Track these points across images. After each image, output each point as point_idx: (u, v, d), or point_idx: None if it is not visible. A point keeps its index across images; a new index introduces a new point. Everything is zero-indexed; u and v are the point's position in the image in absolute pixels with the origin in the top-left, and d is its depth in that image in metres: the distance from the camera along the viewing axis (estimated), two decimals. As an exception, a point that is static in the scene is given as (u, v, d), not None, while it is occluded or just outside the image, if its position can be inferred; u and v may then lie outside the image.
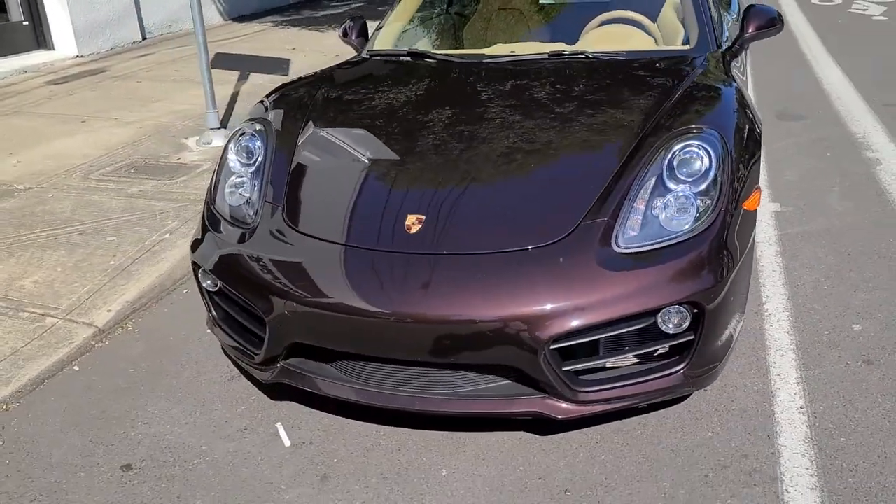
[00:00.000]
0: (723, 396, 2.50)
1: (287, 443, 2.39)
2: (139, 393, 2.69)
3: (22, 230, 3.87)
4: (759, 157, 2.53)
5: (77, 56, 8.32)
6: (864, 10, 9.63)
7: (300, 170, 2.59)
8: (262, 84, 6.68)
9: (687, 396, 2.47)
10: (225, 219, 2.55)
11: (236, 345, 2.48)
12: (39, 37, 8.34)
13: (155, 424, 2.51)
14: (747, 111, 2.67)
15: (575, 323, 2.04)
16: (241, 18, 10.86)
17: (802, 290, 3.14)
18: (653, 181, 2.27)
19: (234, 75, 7.19)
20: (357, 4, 11.96)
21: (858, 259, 3.38)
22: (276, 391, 2.59)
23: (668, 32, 3.42)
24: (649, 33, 3.45)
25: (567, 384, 2.12)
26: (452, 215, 2.28)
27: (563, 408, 2.14)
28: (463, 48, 3.55)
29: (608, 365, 2.18)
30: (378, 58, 3.48)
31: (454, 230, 2.23)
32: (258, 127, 2.79)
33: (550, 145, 2.52)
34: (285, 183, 2.53)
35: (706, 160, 2.29)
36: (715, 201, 2.23)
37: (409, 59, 3.38)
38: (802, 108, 5.79)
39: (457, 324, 2.05)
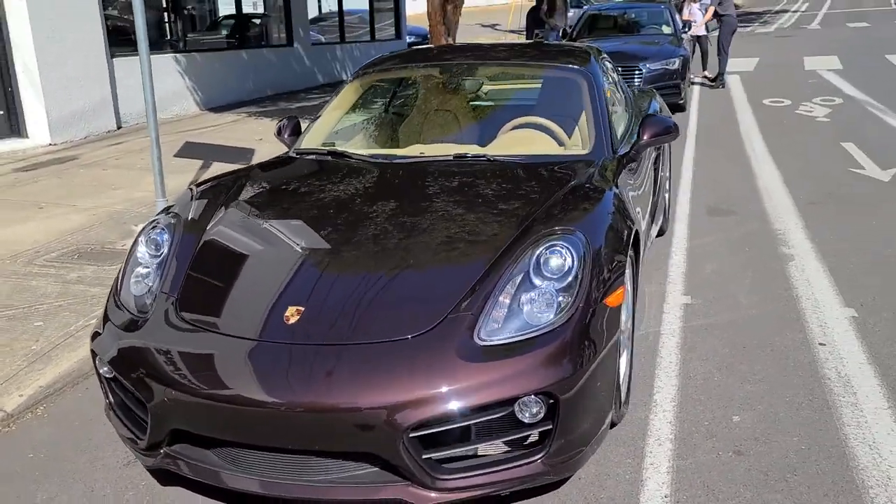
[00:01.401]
0: (594, 485, 2.59)
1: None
2: (32, 479, 2.75)
3: (-38, 313, 3.98)
4: (626, 257, 2.70)
5: (50, 144, 8.60)
6: (810, 111, 10.10)
7: (200, 261, 2.75)
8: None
9: (561, 483, 2.57)
10: (126, 308, 2.68)
11: (126, 431, 2.57)
12: (13, 125, 8.64)
13: (51, 510, 2.58)
14: (622, 215, 2.86)
15: (432, 412, 2.16)
16: (217, 109, 11.26)
17: (693, 382, 3.26)
18: (520, 277, 2.44)
19: (198, 163, 7.45)
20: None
21: (752, 352, 3.52)
22: (165, 478, 2.66)
23: (575, 138, 3.66)
24: (557, 138, 3.68)
25: (427, 472, 2.22)
26: (328, 307, 2.43)
27: (424, 495, 2.23)
28: (383, 147, 3.77)
29: (469, 453, 2.29)
30: (301, 156, 3.70)
31: (327, 322, 2.37)
32: (169, 220, 2.97)
33: (430, 242, 2.69)
34: (184, 274, 2.69)
35: (568, 259, 2.47)
36: (573, 297, 2.39)
37: (327, 157, 3.59)
38: (734, 204, 6.06)
39: (319, 412, 2.17)
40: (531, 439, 2.32)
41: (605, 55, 4.64)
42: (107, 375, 2.62)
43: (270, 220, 2.97)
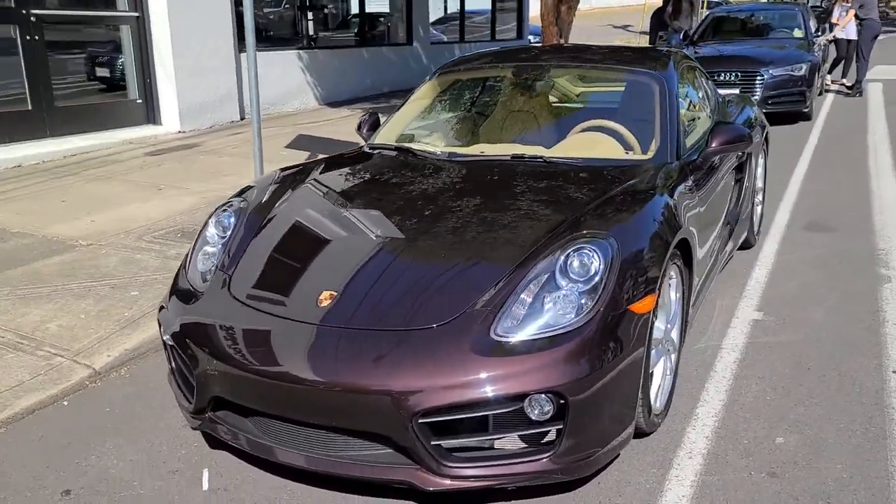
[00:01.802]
0: (613, 490, 2.59)
1: (205, 486, 2.67)
2: (106, 430, 3.06)
3: (67, 280, 4.44)
4: (663, 266, 2.66)
5: (179, 132, 9.28)
6: (951, 124, 9.35)
7: (256, 242, 2.96)
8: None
9: (578, 484, 2.59)
10: (191, 284, 2.93)
11: (180, 395, 2.82)
12: (150, 113, 9.38)
13: (105, 458, 2.86)
14: (668, 222, 2.83)
15: (441, 400, 2.25)
16: (334, 104, 11.75)
17: (743, 399, 3.17)
18: (545, 277, 2.48)
19: (305, 155, 7.84)
20: (446, 95, 12.66)
21: (816, 373, 3.37)
22: (213, 442, 2.89)
23: (643, 143, 3.63)
24: (625, 142, 3.66)
25: (435, 458, 2.31)
26: (359, 294, 2.56)
27: (431, 480, 2.33)
28: (448, 145, 3.86)
29: (479, 445, 2.36)
30: (372, 150, 3.86)
31: (355, 307, 2.51)
32: (239, 204, 3.20)
33: (466, 239, 2.78)
34: (241, 253, 2.91)
35: (595, 263, 2.49)
36: (595, 301, 2.41)
37: (393, 152, 3.74)
38: (838, 220, 5.74)
39: (339, 391, 2.31)
40: (542, 437, 2.37)
41: (692, 61, 4.54)
42: (168, 343, 2.87)
43: (323, 208, 3.15)
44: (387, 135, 4.01)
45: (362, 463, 2.39)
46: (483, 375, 2.27)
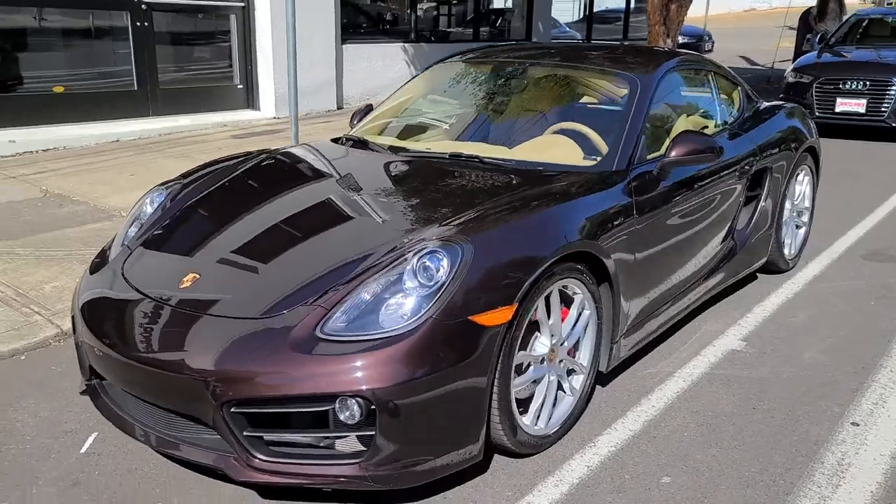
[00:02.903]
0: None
1: (83, 449, 2.81)
2: (38, 386, 3.28)
3: (85, 246, 4.79)
4: (536, 280, 2.49)
5: (273, 117, 9.73)
6: None
7: (165, 223, 3.06)
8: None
9: (424, 494, 2.49)
10: (108, 257, 3.06)
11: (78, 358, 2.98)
12: (250, 98, 9.91)
13: (20, 412, 3.08)
14: (554, 235, 2.63)
15: (250, 391, 2.25)
16: (436, 97, 11.84)
17: (656, 432, 2.91)
18: (394, 277, 2.39)
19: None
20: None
21: (758, 415, 3.03)
22: (113, 407, 3.03)
23: (603, 149, 3.40)
24: (589, 147, 3.43)
25: (246, 448, 2.30)
26: (217, 279, 2.60)
27: (241, 470, 2.32)
28: (404, 140, 3.75)
29: (292, 441, 2.33)
30: (334, 141, 3.85)
31: (208, 292, 2.54)
32: (174, 184, 3.32)
33: (334, 234, 2.74)
34: (147, 233, 3.02)
35: (442, 269, 2.37)
36: (428, 308, 2.30)
37: (348, 144, 3.72)
38: (906, 250, 5.11)
39: (167, 373, 2.35)
40: (354, 441, 2.30)
41: (711, 65, 4.17)
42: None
43: (230, 194, 3.19)
44: (364, 126, 4.00)
45: (192, 445, 2.42)
46: (295, 371, 2.24)
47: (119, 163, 7.26)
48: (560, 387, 2.85)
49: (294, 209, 3.00)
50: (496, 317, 2.39)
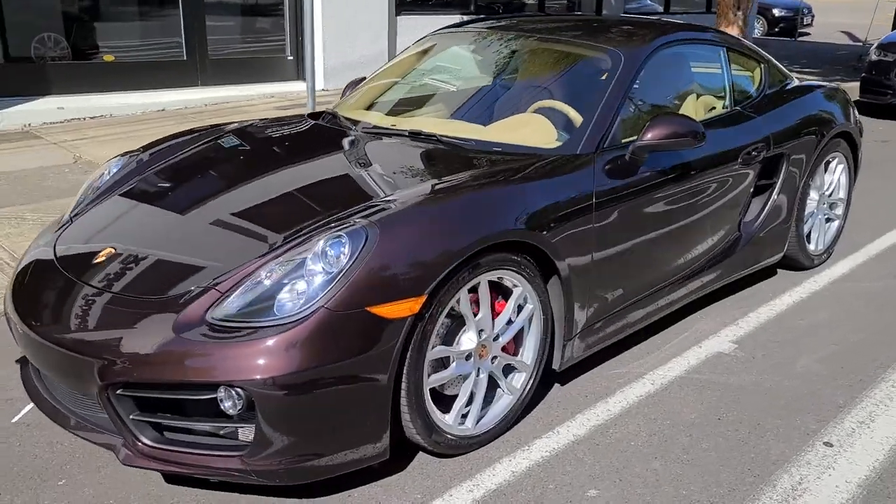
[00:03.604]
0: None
1: (14, 419, 2.82)
2: (1, 351, 3.33)
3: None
4: (448, 268, 2.30)
5: (322, 89, 9.69)
6: None
7: (109, 194, 3.00)
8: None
9: (327, 490, 2.37)
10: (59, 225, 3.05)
11: None
12: (300, 70, 9.91)
13: (-34, 381, 3.12)
14: (478, 221, 2.42)
15: (139, 376, 2.16)
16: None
17: (601, 439, 2.69)
18: (298, 261, 2.25)
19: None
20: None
21: (721, 427, 2.76)
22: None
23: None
24: (570, 126, 3.19)
25: (132, 432, 2.23)
26: (129, 256, 2.52)
27: (126, 454, 2.24)
28: (379, 114, 3.58)
29: (176, 426, 2.24)
30: (311, 116, 3.71)
31: (119, 268, 2.47)
32: (133, 154, 3.27)
33: (251, 213, 2.62)
34: (90, 203, 2.98)
35: (344, 255, 2.21)
36: (321, 296, 2.15)
37: (324, 120, 3.58)
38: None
39: (59, 349, 2.29)
40: (241, 433, 2.19)
41: (713, 36, 3.82)
42: None
43: (170, 171, 3.09)
44: (347, 100, 3.86)
45: (96, 427, 2.36)
46: (178, 356, 2.14)
47: (158, 132, 7.32)
48: (496, 385, 2.67)
49: (220, 189, 2.88)
50: (400, 308, 2.22)
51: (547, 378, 2.98)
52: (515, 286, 2.60)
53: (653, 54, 3.33)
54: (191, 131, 3.53)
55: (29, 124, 7.39)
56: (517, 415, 2.74)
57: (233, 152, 3.24)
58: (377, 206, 2.42)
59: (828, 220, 4.43)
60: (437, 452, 2.53)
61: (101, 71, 8.28)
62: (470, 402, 2.58)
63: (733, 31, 9.44)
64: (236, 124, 3.64)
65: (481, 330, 2.53)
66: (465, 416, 2.57)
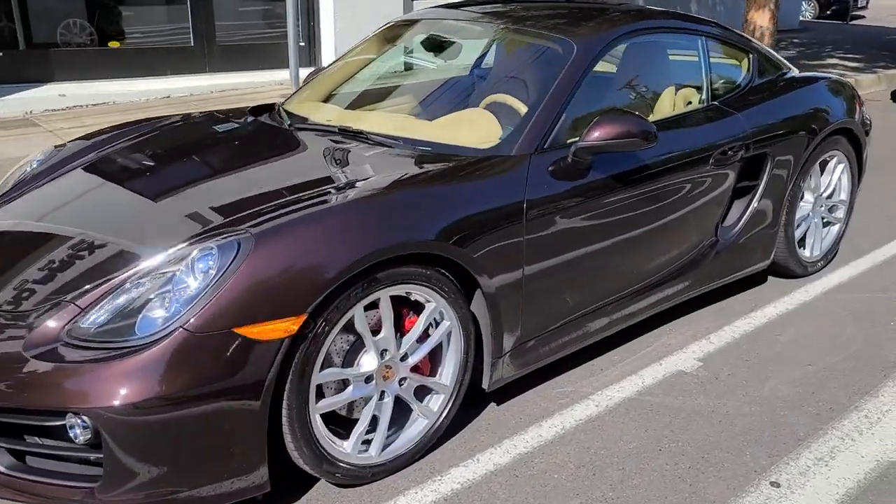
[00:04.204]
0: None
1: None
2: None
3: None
4: (334, 284, 2.08)
5: (333, 76, 9.53)
6: None
7: (30, 183, 2.87)
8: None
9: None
10: None
11: None
12: (312, 55, 9.74)
13: None
14: (372, 231, 2.18)
15: (-16, 398, 2.00)
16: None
17: (521, 470, 2.44)
18: (168, 275, 2.06)
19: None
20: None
21: (661, 460, 2.50)
22: None
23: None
24: (513, 122, 2.93)
25: (-10, 455, 2.08)
26: (12, 262, 2.36)
27: (-13, 476, 2.10)
28: (320, 108, 3.34)
29: (46, 453, 2.08)
30: (254, 111, 3.50)
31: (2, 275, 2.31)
32: (51, 151, 3.12)
33: (143, 221, 2.42)
34: (13, 187, 2.85)
35: (212, 268, 2.01)
36: (181, 315, 1.96)
37: (265, 115, 3.37)
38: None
39: None
40: (82, 458, 2.02)
41: (691, 25, 3.49)
42: None
43: (81, 171, 2.89)
44: (299, 94, 3.65)
45: None
46: (25, 378, 1.97)
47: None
48: (408, 408, 2.45)
49: (113, 192, 2.69)
50: (274, 329, 2.01)
51: (483, 397, 2.76)
52: (428, 301, 2.37)
53: (612, 44, 3.04)
54: (125, 125, 3.37)
55: (31, 111, 7.37)
56: (433, 440, 2.52)
57: (146, 150, 3.02)
58: (266, 213, 2.21)
59: (826, 223, 4.09)
60: (339, 483, 2.32)
61: (105, 57, 8.22)
62: (375, 427, 2.37)
63: (764, 15, 8.96)
64: (178, 117, 3.47)
65: (384, 350, 2.31)
66: (370, 442, 2.36)
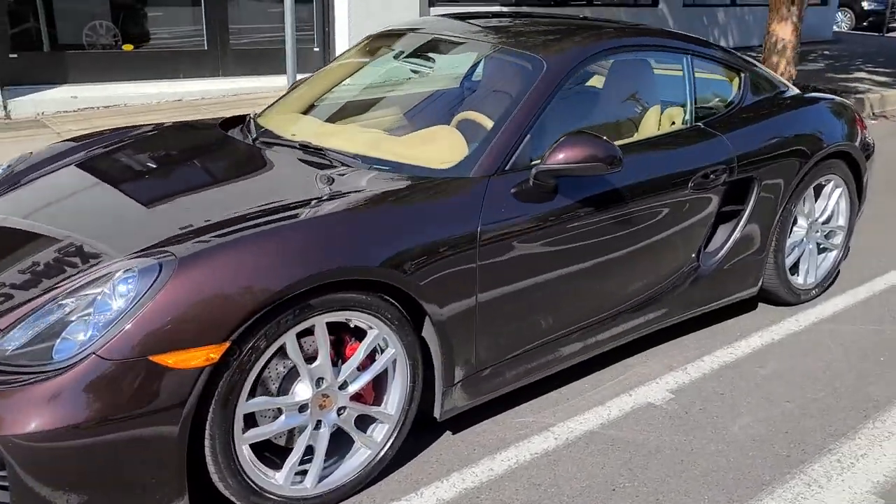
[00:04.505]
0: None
1: None
2: None
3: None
4: (261, 311, 2.01)
5: (347, 82, 9.50)
6: None
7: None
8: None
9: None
10: None
11: None
12: (326, 62, 9.73)
13: None
14: (301, 256, 2.10)
15: None
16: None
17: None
18: (90, 298, 1.99)
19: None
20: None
21: (611, 500, 2.38)
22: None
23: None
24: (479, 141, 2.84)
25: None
26: None
27: None
28: (291, 121, 3.30)
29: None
30: (229, 122, 3.45)
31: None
32: (16, 159, 3.12)
33: (77, 237, 2.34)
34: None
35: (132, 292, 1.95)
36: (94, 340, 1.90)
37: (238, 127, 3.32)
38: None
39: None
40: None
41: (674, 42, 3.35)
42: None
43: (42, 181, 2.87)
44: (275, 105, 3.60)
45: None
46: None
47: (163, 122, 7.30)
48: (346, 438, 2.37)
49: (62, 206, 2.65)
50: (193, 357, 1.94)
51: (439, 425, 2.67)
52: (371, 328, 2.29)
53: (586, 63, 2.94)
54: (99, 133, 3.35)
55: (42, 112, 7.46)
56: (376, 471, 2.43)
57: (106, 163, 2.97)
58: (199, 234, 2.15)
59: (823, 250, 3.92)
60: (267, 512, 2.25)
61: (118, 60, 8.28)
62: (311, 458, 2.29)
63: (786, 28, 8.73)
64: (150, 127, 3.44)
65: (320, 378, 2.23)
66: (305, 473, 2.29)
